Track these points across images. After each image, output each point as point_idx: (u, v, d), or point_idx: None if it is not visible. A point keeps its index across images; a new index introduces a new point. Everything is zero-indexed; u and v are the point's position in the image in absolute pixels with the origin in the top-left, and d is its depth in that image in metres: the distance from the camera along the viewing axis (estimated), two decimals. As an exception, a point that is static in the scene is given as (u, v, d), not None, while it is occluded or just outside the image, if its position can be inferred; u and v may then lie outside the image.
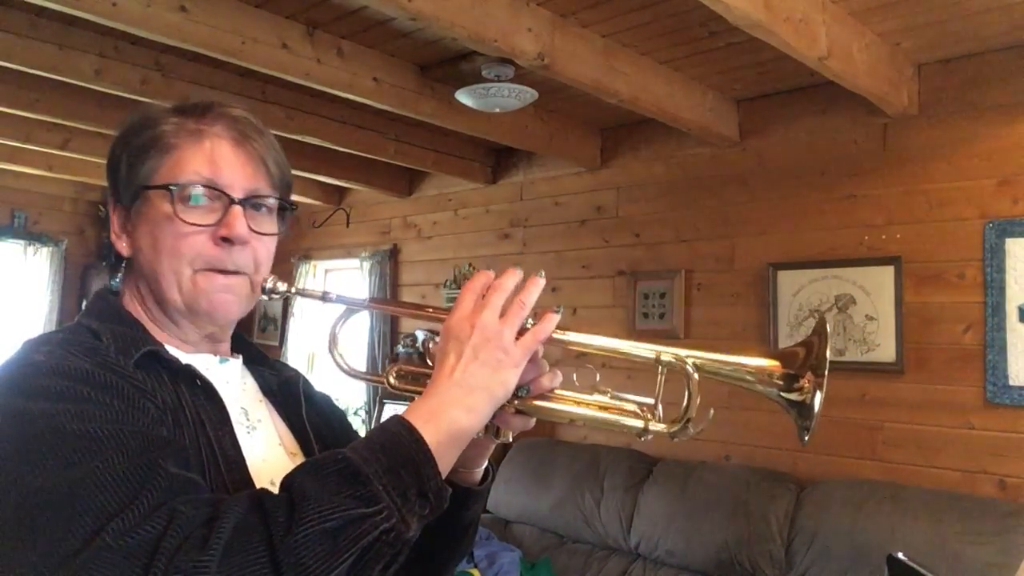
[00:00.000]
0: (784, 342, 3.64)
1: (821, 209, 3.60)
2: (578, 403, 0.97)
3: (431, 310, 1.02)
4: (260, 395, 1.07)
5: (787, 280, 3.66)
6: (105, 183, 1.04)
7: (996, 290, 3.08)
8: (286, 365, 1.17)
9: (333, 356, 1.02)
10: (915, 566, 2.06)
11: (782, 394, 0.93)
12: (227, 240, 0.94)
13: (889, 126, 3.43)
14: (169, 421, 0.87)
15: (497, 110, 3.51)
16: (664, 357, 0.94)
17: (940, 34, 3.04)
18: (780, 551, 3.26)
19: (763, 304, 3.73)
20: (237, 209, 0.94)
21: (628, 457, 4.00)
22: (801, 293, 3.61)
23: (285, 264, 6.48)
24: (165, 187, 0.93)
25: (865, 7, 2.84)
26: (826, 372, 0.90)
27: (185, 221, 0.92)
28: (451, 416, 0.85)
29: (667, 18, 3.01)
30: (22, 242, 6.12)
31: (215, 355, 1.02)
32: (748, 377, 0.95)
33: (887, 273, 3.36)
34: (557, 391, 0.97)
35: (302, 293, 1.02)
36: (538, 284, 0.91)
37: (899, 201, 3.38)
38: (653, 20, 3.03)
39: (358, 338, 5.70)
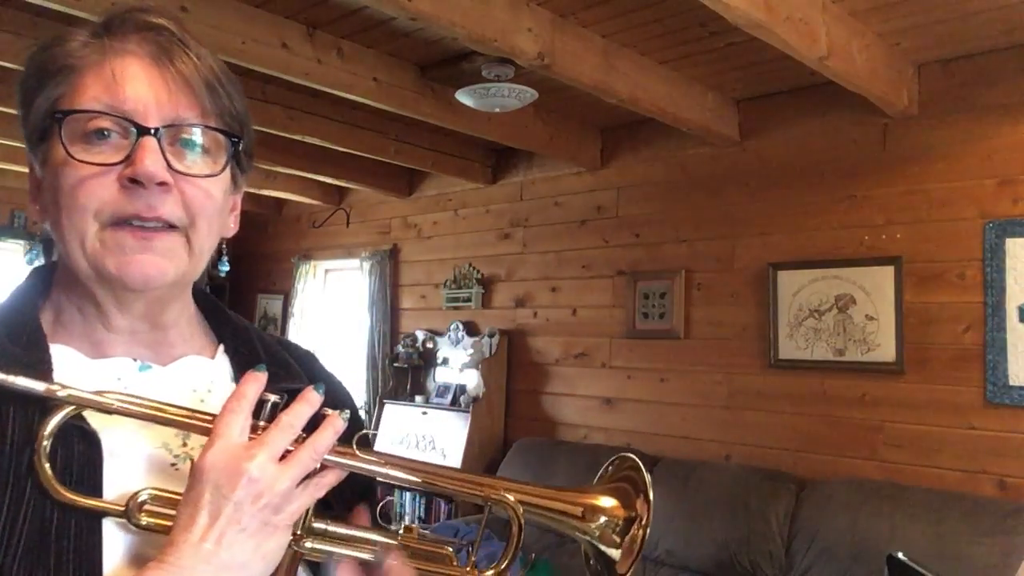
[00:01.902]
0: (784, 342, 3.64)
1: (821, 209, 3.60)
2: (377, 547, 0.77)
3: (183, 417, 0.71)
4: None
5: (787, 280, 3.66)
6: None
7: (996, 290, 3.08)
8: (293, 376, 0.85)
9: (39, 469, 0.66)
10: (915, 566, 2.06)
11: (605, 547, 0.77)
12: (136, 182, 0.71)
13: (889, 126, 3.43)
14: None
15: (497, 110, 3.51)
16: (493, 499, 0.76)
17: (940, 34, 3.04)
18: (780, 551, 3.26)
19: (763, 304, 3.73)
20: (147, 140, 0.71)
21: (628, 457, 4.00)
22: (801, 293, 3.61)
23: (285, 264, 6.48)
24: (53, 118, 0.72)
25: (865, 7, 2.84)
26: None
27: (80, 160, 0.70)
28: None
29: (667, 18, 3.01)
30: (22, 242, 6.12)
31: (135, 359, 0.78)
32: (584, 526, 0.77)
33: (887, 273, 3.36)
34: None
35: (9, 385, 0.66)
36: (338, 427, 0.70)
37: (899, 201, 3.38)
38: (653, 20, 3.03)
39: (358, 337, 5.70)
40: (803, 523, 3.24)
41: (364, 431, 0.74)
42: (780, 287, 3.68)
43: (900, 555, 2.15)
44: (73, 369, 0.74)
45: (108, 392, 0.69)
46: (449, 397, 5.00)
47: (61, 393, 0.67)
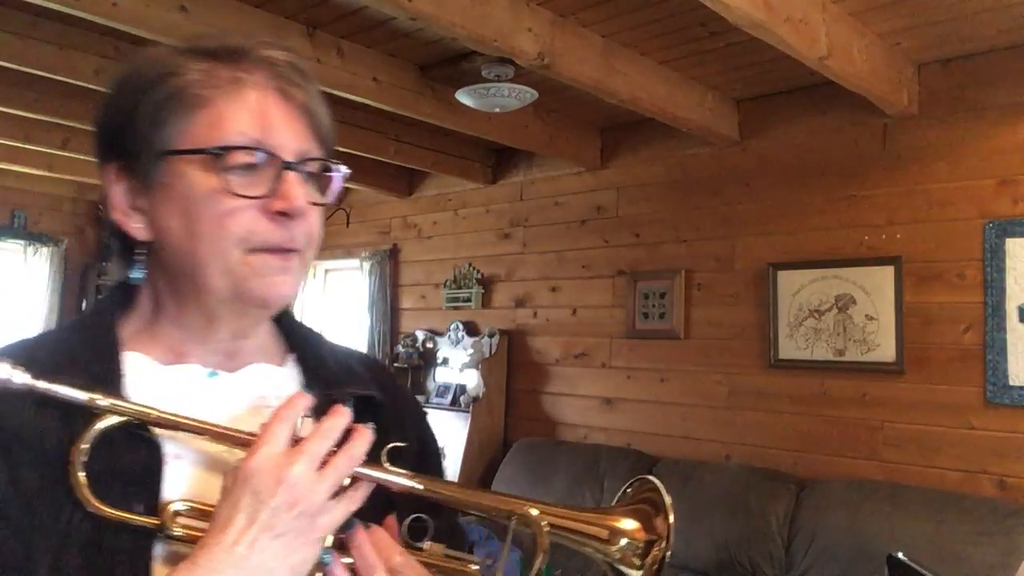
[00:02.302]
0: (784, 342, 3.64)
1: (821, 209, 3.60)
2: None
3: (229, 433, 0.72)
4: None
5: (787, 280, 3.66)
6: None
7: (996, 290, 3.08)
8: (359, 382, 0.87)
9: (73, 480, 0.67)
10: (915, 566, 2.07)
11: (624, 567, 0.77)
12: (284, 214, 0.75)
13: (889, 126, 3.43)
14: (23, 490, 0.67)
15: (497, 110, 3.51)
16: (517, 514, 0.77)
17: (940, 34, 3.04)
18: (780, 551, 3.26)
19: (763, 304, 3.73)
20: (294, 176, 0.75)
21: (628, 457, 4.00)
22: (801, 293, 3.61)
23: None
24: (203, 152, 0.73)
25: (865, 7, 2.84)
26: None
27: (234, 194, 0.73)
28: None
29: (667, 18, 3.01)
30: (22, 242, 6.11)
31: (205, 366, 0.80)
32: (605, 547, 0.78)
33: (887, 273, 3.36)
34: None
35: (52, 392, 0.67)
36: (368, 436, 0.72)
37: (899, 201, 3.38)
38: (653, 20, 3.03)
39: (358, 337, 5.70)
40: (803, 523, 3.24)
41: (395, 444, 0.75)
42: (780, 287, 3.68)
43: (900, 555, 2.15)
44: (144, 375, 0.76)
45: (151, 406, 0.71)
46: (449, 397, 5.00)
47: (102, 403, 0.68)
